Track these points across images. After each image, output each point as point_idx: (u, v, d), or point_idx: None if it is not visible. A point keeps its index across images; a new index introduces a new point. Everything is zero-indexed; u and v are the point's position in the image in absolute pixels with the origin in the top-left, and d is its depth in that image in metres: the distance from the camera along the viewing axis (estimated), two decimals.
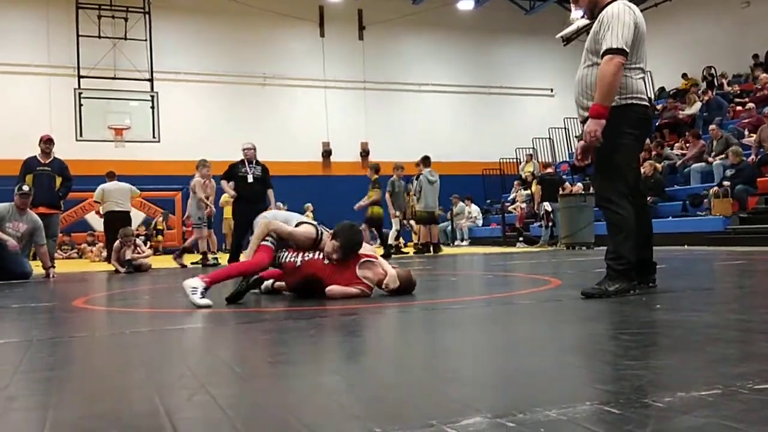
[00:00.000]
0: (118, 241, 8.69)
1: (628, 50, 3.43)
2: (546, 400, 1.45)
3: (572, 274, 5.58)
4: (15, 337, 2.94)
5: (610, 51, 3.41)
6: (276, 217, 4.37)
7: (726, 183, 11.11)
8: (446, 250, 13.80)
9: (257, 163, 9.11)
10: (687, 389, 1.48)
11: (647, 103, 3.66)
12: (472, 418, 1.31)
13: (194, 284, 3.71)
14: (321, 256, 4.01)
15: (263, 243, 4.07)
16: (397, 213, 12.63)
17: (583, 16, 3.97)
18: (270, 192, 9.05)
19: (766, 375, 1.59)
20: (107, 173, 15.23)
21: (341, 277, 3.92)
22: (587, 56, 3.66)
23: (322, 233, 4.10)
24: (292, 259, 4.06)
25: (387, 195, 12.40)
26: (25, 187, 7.80)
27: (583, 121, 3.67)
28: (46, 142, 8.78)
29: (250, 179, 8.88)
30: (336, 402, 1.54)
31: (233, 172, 9.03)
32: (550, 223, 13.31)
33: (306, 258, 4.03)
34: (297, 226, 4.17)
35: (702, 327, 2.52)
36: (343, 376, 1.90)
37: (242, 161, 9.08)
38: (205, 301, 3.66)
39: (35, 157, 8.76)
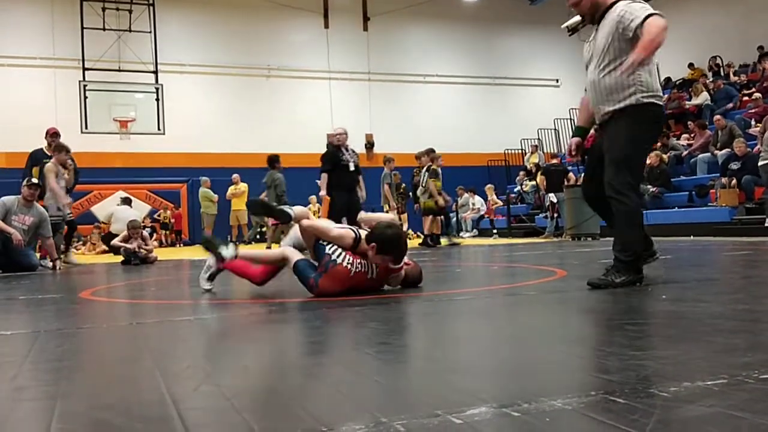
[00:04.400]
0: (126, 232, 8.75)
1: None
2: (551, 390, 1.45)
3: (577, 265, 5.57)
4: (23, 329, 2.96)
5: (653, 14, 3.31)
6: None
7: (724, 179, 11.08)
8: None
9: (352, 149, 8.54)
10: (692, 379, 1.48)
11: (662, 103, 3.66)
12: (478, 408, 1.32)
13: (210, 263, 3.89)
14: (365, 269, 3.61)
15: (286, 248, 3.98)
16: (395, 205, 12.63)
17: (582, 22, 3.95)
18: (360, 178, 8.50)
19: None
20: (123, 198, 15.37)
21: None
22: (602, 60, 3.56)
23: (360, 236, 3.69)
24: (347, 266, 3.56)
25: (386, 187, 12.38)
26: (34, 179, 7.85)
27: (601, 124, 3.66)
28: (53, 136, 8.81)
29: (352, 167, 8.31)
30: (342, 392, 1.55)
31: (335, 162, 8.33)
32: (556, 214, 13.29)
33: (357, 269, 3.58)
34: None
35: (707, 317, 2.52)
36: (350, 366, 1.91)
37: (338, 148, 8.42)
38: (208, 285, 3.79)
39: (41, 149, 8.80)
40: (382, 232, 3.60)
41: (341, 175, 8.19)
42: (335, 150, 8.39)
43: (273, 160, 10.62)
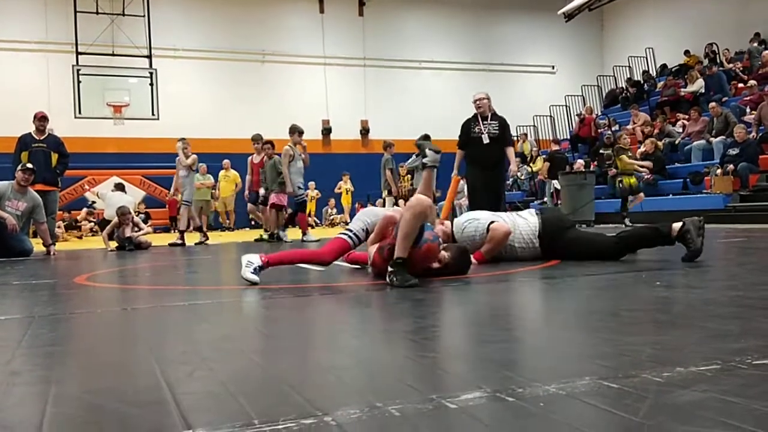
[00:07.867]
0: (116, 219, 8.70)
1: None
2: (545, 375, 1.46)
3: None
4: (17, 314, 2.95)
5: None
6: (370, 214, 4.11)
7: (719, 170, 11.09)
8: None
9: (494, 117, 7.25)
10: (686, 364, 1.49)
11: None
12: (472, 393, 1.32)
13: (252, 260, 3.64)
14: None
15: (339, 236, 3.89)
16: (396, 191, 12.58)
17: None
18: (509, 151, 7.27)
19: (764, 350, 1.60)
20: (116, 184, 15.27)
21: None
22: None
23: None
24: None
25: (388, 173, 12.33)
26: (29, 164, 7.80)
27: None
28: (41, 120, 8.70)
29: (486, 140, 7.10)
30: (337, 377, 1.55)
31: (465, 134, 7.26)
32: (559, 201, 13.31)
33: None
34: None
35: (701, 303, 2.53)
36: (345, 352, 1.92)
37: (474, 117, 7.29)
38: (254, 278, 3.57)
39: (30, 133, 8.69)
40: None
41: (473, 150, 7.14)
42: (469, 120, 7.31)
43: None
